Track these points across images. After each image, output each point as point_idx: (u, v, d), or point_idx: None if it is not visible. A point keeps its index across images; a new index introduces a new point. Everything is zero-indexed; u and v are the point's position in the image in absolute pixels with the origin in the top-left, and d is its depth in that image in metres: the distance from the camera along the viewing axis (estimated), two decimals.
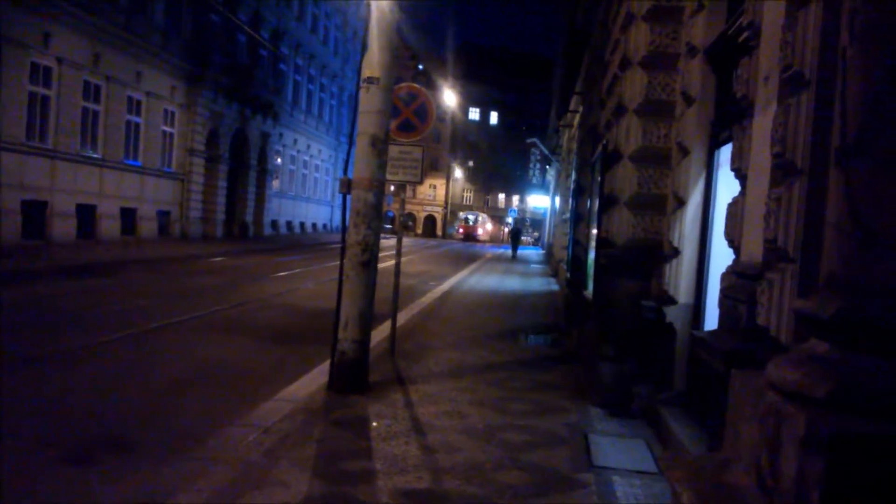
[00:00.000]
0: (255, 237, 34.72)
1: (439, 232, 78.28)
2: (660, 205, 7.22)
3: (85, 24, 21.27)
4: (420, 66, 71.57)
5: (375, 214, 6.75)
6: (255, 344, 8.98)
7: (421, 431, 5.54)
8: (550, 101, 47.41)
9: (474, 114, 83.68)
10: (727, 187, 5.39)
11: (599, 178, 8.74)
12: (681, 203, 6.43)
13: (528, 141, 51.60)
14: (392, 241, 10.85)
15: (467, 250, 45.15)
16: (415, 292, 15.66)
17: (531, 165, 62.10)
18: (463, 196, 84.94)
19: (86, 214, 22.20)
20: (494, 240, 70.75)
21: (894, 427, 2.05)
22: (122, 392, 6.45)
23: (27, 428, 5.27)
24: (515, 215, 73.06)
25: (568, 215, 18.97)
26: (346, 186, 6.77)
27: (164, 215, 27.34)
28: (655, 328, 6.53)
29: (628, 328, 7.01)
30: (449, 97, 52.05)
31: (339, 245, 6.94)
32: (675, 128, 6.97)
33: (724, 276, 4.30)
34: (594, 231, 10.05)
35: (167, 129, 27.50)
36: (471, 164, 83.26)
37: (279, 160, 40.14)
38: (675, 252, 6.45)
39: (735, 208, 4.25)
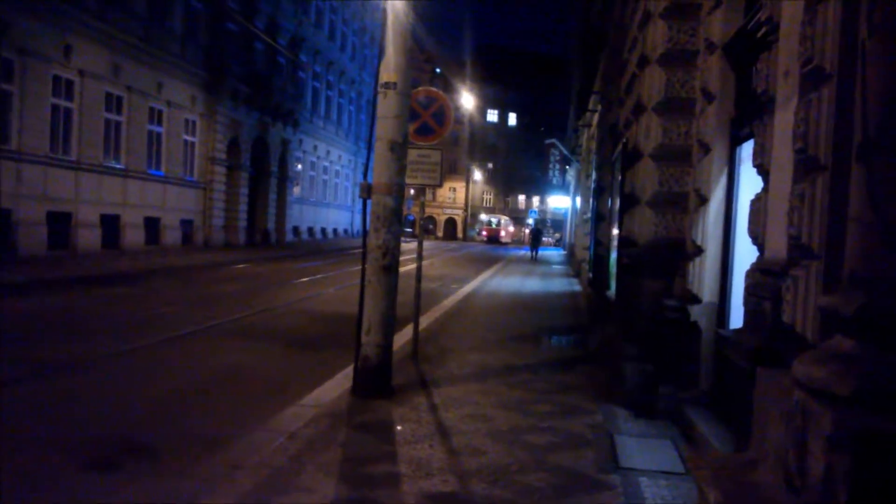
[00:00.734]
0: (277, 244, 34.92)
1: (460, 234, 78.28)
2: (681, 203, 7.16)
3: (105, 37, 21.52)
4: (437, 70, 71.68)
5: (395, 218, 6.76)
6: (278, 349, 9.03)
7: (445, 434, 5.54)
8: (568, 101, 47.31)
9: (492, 116, 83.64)
10: (749, 184, 5.34)
11: (620, 178, 8.71)
12: (703, 201, 6.38)
13: (547, 142, 51.50)
14: (413, 245, 10.88)
15: (488, 252, 45.10)
16: (436, 295, 15.67)
17: (551, 166, 61.88)
18: (483, 198, 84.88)
19: (110, 224, 22.45)
20: (516, 241, 70.70)
21: None
22: (147, 398, 6.51)
23: (53, 434, 5.33)
24: (536, 216, 72.91)
25: (589, 215, 18.91)
26: (366, 191, 6.79)
27: (186, 224, 27.58)
28: (679, 327, 6.49)
29: (652, 328, 6.96)
30: (466, 100, 52.06)
31: (359, 250, 6.96)
32: (696, 125, 6.92)
33: (749, 274, 4.26)
34: (615, 231, 10.01)
35: (188, 138, 27.74)
36: (490, 166, 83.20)
37: (299, 166, 40.34)
38: (699, 250, 6.41)
39: (758, 205, 4.21)
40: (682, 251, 6.98)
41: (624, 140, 8.97)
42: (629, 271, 7.96)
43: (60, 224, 20.10)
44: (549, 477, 4.68)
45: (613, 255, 11.14)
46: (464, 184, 79.60)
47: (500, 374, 7.85)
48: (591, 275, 16.55)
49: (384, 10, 6.75)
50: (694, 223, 6.63)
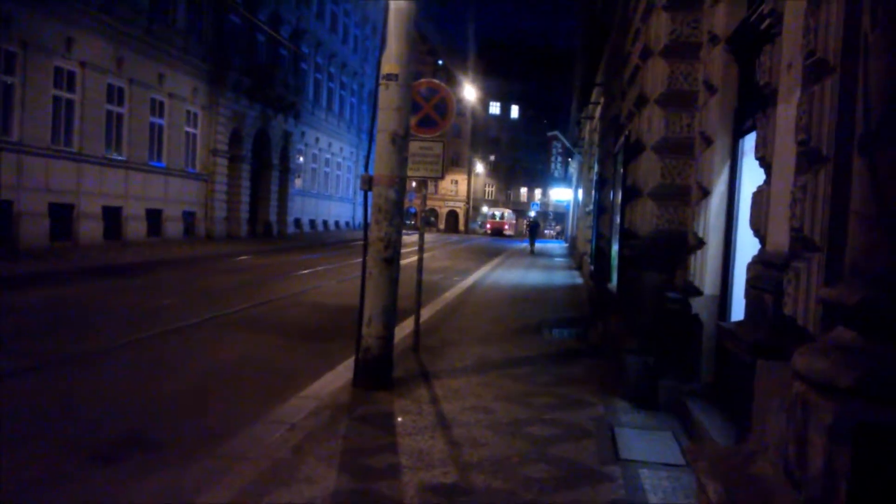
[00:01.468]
0: (278, 236, 34.95)
1: (462, 227, 78.29)
2: (684, 195, 7.16)
3: (107, 28, 21.51)
4: (439, 62, 71.56)
5: (397, 211, 6.75)
6: (279, 341, 9.04)
7: (446, 426, 5.55)
8: (571, 93, 47.20)
9: (495, 108, 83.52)
10: (752, 176, 5.33)
11: (622, 170, 8.69)
12: (705, 193, 6.37)
13: (550, 134, 51.52)
14: (415, 237, 10.88)
15: (490, 245, 45.10)
16: (438, 288, 15.68)
17: (553, 158, 61.89)
18: (485, 191, 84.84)
19: (112, 216, 22.48)
20: (519, 234, 70.89)
21: None
22: (149, 390, 6.53)
23: (56, 426, 5.35)
24: (538, 209, 72.99)
25: (591, 208, 18.89)
26: (368, 183, 6.78)
27: (188, 216, 27.60)
28: (681, 320, 6.49)
29: (653, 320, 6.96)
30: (469, 92, 52.05)
31: (361, 242, 6.96)
32: (698, 117, 6.90)
33: (751, 266, 4.26)
34: (617, 223, 10.00)
35: (190, 130, 27.74)
36: (492, 158, 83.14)
37: (301, 159, 40.34)
38: (700, 243, 6.40)
39: (760, 197, 4.20)
40: (683, 244, 6.97)
41: (626, 132, 8.95)
42: (631, 264, 7.96)
43: (62, 216, 20.13)
44: (550, 468, 4.69)
45: (615, 248, 11.12)
46: (466, 176, 79.56)
47: (501, 367, 7.85)
48: (592, 267, 16.54)
49: (386, 2, 6.73)
50: (696, 215, 6.62)
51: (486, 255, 32.00)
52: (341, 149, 48.06)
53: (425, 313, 10.56)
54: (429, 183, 8.97)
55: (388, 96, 6.68)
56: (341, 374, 6.94)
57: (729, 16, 6.01)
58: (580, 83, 28.05)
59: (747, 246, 5.26)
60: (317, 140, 42.74)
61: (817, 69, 3.13)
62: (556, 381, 7.33)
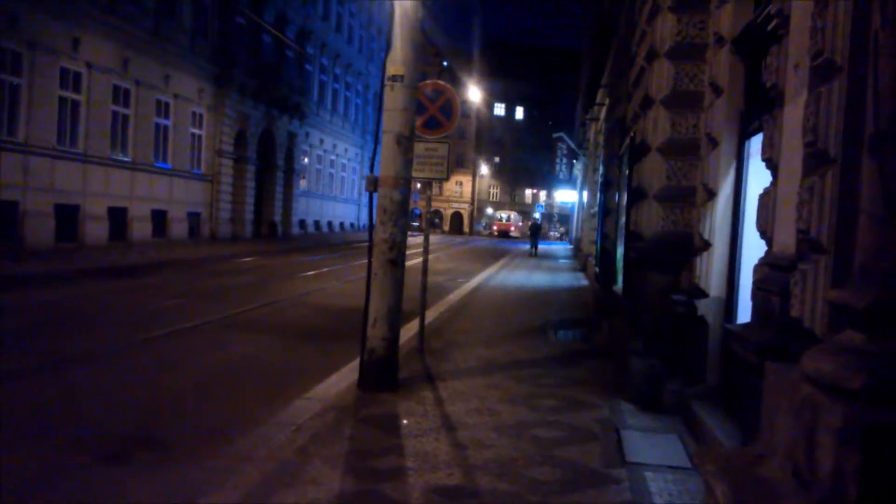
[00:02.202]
0: (283, 237, 34.98)
1: (466, 229, 78.29)
2: (689, 197, 7.13)
3: (113, 29, 21.56)
4: (444, 63, 71.58)
5: (402, 212, 6.75)
6: (284, 342, 9.04)
7: (451, 428, 5.54)
8: (576, 94, 47.20)
9: (499, 109, 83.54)
10: (758, 178, 5.31)
11: (627, 171, 8.68)
12: (711, 195, 6.35)
13: (555, 135, 51.53)
14: (419, 239, 10.88)
15: (495, 247, 45.09)
16: (443, 289, 15.67)
17: (558, 160, 61.98)
18: (489, 192, 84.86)
19: (117, 217, 22.52)
20: (525, 236, 71.09)
21: None
22: (155, 390, 6.53)
23: (62, 426, 5.35)
24: (542, 211, 73.02)
25: (596, 209, 18.87)
26: (373, 184, 6.77)
27: (194, 217, 27.64)
28: (686, 322, 6.46)
29: (658, 322, 6.94)
30: (474, 93, 51.94)
31: (366, 243, 6.96)
32: (704, 119, 6.88)
33: (757, 268, 4.24)
34: (623, 225, 9.98)
35: (195, 131, 27.78)
36: (497, 160, 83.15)
37: (306, 160, 40.38)
38: (706, 245, 6.38)
39: (766, 199, 4.18)
40: (689, 245, 6.95)
41: (632, 134, 8.93)
42: (636, 265, 7.94)
43: (68, 216, 20.18)
44: (555, 471, 4.68)
45: (620, 250, 11.10)
46: (470, 178, 79.56)
47: (506, 369, 7.84)
48: (597, 269, 16.52)
49: (392, 4, 6.72)
50: (702, 217, 6.60)
51: (491, 256, 31.98)
52: (346, 150, 48.11)
53: (430, 315, 10.56)
54: (433, 184, 8.97)
55: (394, 97, 6.68)
56: (346, 376, 6.94)
57: (735, 17, 5.99)
58: (585, 85, 28.04)
59: (753, 248, 5.24)
60: (321, 141, 42.78)
61: (824, 70, 3.12)
62: (561, 383, 7.32)
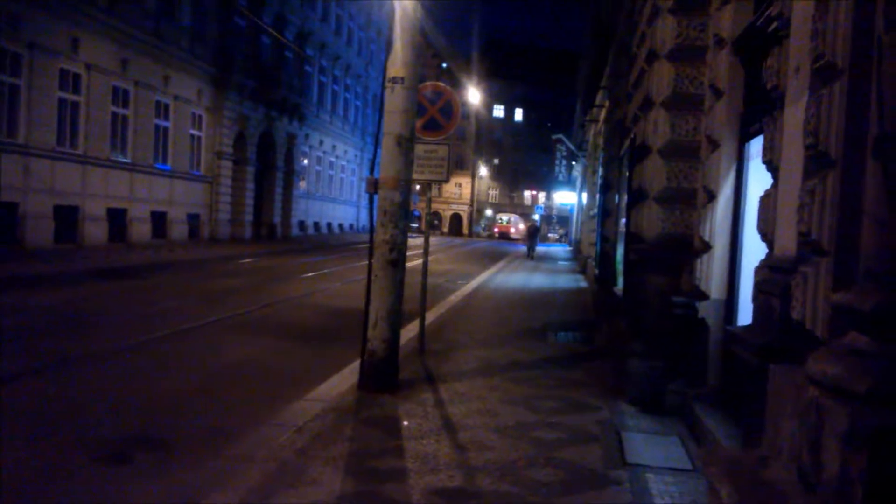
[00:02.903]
0: (282, 238, 34.97)
1: (465, 230, 78.26)
2: (689, 199, 7.14)
3: (113, 30, 21.56)
4: (443, 64, 71.59)
5: (402, 213, 6.75)
6: (285, 344, 9.04)
7: (452, 430, 5.54)
8: (576, 96, 47.23)
9: (499, 111, 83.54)
10: (758, 180, 5.32)
11: (627, 173, 8.68)
12: (711, 197, 6.36)
13: (554, 137, 51.51)
14: (419, 241, 10.87)
15: (494, 248, 45.10)
16: (443, 291, 15.67)
17: (557, 162, 61.99)
18: (488, 194, 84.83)
19: (117, 218, 22.51)
20: (524, 238, 71.26)
21: None
22: (156, 392, 6.52)
23: (63, 427, 5.35)
24: (542, 212, 73.03)
25: (595, 211, 18.89)
26: (373, 186, 6.78)
27: (193, 218, 27.64)
28: (687, 324, 6.47)
29: (659, 324, 6.94)
30: (473, 95, 51.89)
31: (365, 245, 6.97)
32: (704, 121, 6.90)
33: (758, 270, 4.25)
34: (623, 226, 9.99)
35: (195, 132, 27.78)
36: (496, 161, 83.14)
37: (305, 161, 40.38)
38: (706, 247, 6.39)
39: (767, 201, 4.19)
40: (689, 247, 6.96)
41: (632, 135, 8.94)
42: (636, 267, 7.95)
43: (67, 218, 20.17)
44: (556, 472, 4.68)
45: (620, 251, 11.12)
46: (469, 179, 79.53)
47: (506, 370, 7.84)
48: (597, 271, 16.53)
49: (393, 6, 6.73)
50: (702, 219, 6.61)
51: (491, 258, 31.98)
52: (345, 151, 48.11)
53: (430, 316, 10.56)
54: (433, 186, 8.97)
55: (394, 99, 6.68)
56: (347, 377, 6.94)
57: (735, 19, 6.00)
58: (585, 86, 28.06)
59: (754, 250, 5.25)
60: (321, 142, 42.77)
61: (825, 72, 3.12)
62: (562, 384, 7.32)
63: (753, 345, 3.81)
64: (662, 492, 4.47)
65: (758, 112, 5.32)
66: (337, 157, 46.50)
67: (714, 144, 6.33)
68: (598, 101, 20.74)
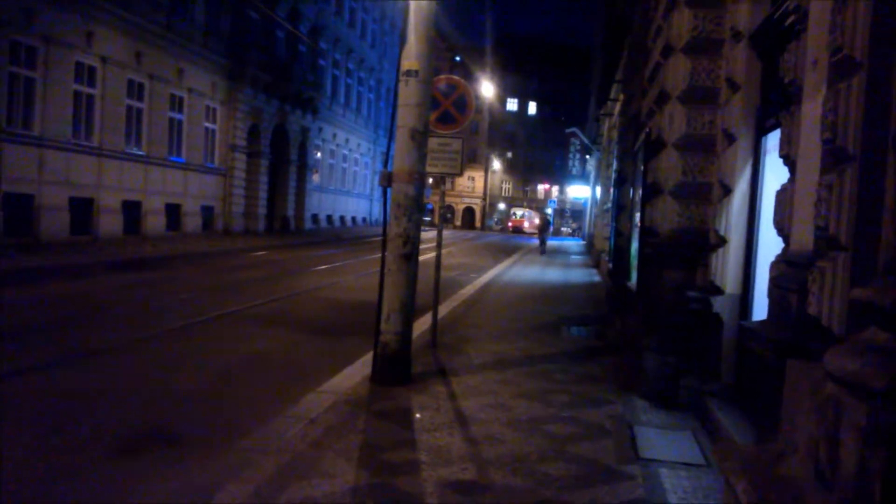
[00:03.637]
0: (296, 231, 35.07)
1: (478, 224, 78.24)
2: (705, 193, 7.10)
3: (127, 24, 21.65)
4: (457, 58, 71.46)
5: (416, 207, 6.75)
6: (298, 336, 9.07)
7: (464, 423, 5.54)
8: (590, 90, 47.04)
9: (512, 104, 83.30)
10: (775, 174, 5.29)
11: (642, 167, 8.64)
12: (727, 191, 6.32)
13: (568, 131, 51.29)
14: (432, 234, 10.86)
15: (507, 242, 45.07)
16: (455, 284, 15.68)
17: (570, 155, 61.75)
18: (501, 187, 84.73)
19: (131, 210, 22.64)
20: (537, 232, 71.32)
21: None
22: (169, 384, 6.57)
23: (78, 420, 5.39)
24: (555, 206, 72.94)
25: (609, 205, 18.82)
26: (387, 179, 6.78)
27: (207, 210, 27.76)
28: (701, 319, 6.44)
29: (673, 319, 6.92)
30: (487, 88, 51.81)
31: (378, 238, 6.97)
32: (721, 115, 6.85)
33: (774, 265, 4.22)
34: (637, 221, 9.95)
35: (209, 125, 27.88)
36: (509, 155, 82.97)
37: (319, 154, 40.45)
38: (722, 241, 6.35)
39: (784, 196, 4.16)
40: (705, 242, 6.92)
41: (647, 129, 8.89)
42: (651, 262, 7.91)
43: (82, 210, 20.31)
44: (569, 466, 4.68)
45: (634, 246, 11.07)
46: (482, 173, 79.47)
47: (519, 364, 7.84)
48: (611, 265, 16.48)
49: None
50: (717, 214, 6.57)
51: (504, 252, 31.97)
52: (358, 145, 48.15)
53: (443, 310, 10.57)
54: (446, 179, 8.97)
55: (408, 92, 6.68)
56: (359, 370, 6.96)
57: (752, 12, 5.95)
58: (599, 80, 27.93)
59: (769, 245, 5.22)
60: (334, 136, 42.83)
61: (844, 66, 3.09)
62: (575, 378, 7.31)
63: (769, 340, 3.79)
64: (675, 486, 4.46)
65: (775, 106, 5.28)
66: (350, 150, 46.55)
67: (730, 138, 6.29)
68: (612, 94, 20.64)
